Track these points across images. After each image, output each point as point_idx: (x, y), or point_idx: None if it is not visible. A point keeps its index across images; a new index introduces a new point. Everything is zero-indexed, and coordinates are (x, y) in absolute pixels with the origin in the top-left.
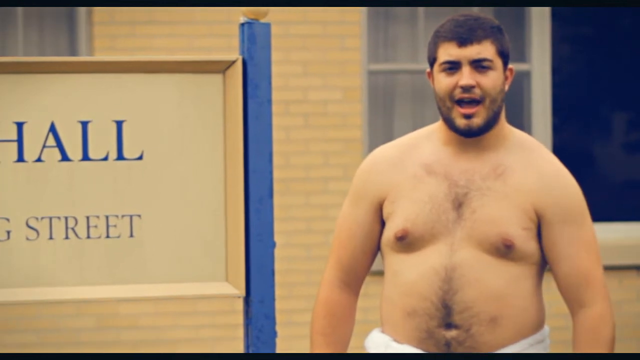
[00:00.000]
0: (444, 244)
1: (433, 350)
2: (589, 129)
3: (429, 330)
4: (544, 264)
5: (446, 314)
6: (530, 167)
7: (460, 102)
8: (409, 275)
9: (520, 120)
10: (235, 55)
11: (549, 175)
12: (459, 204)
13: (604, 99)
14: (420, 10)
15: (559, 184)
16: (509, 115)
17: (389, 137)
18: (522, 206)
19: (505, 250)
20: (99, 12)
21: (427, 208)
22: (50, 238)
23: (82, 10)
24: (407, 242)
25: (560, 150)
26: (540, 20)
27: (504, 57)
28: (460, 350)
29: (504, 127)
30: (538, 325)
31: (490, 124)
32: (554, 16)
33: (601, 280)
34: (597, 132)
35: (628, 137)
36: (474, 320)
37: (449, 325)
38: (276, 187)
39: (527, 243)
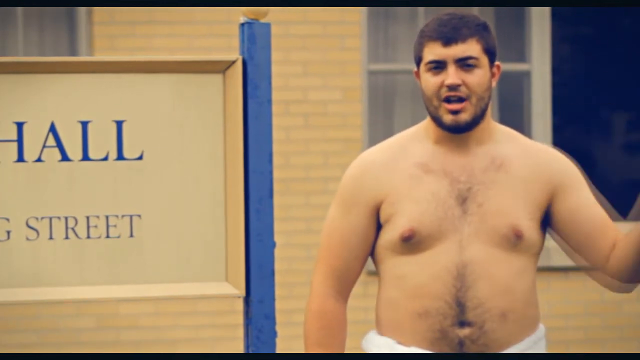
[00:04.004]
0: (451, 241)
1: (445, 350)
2: (589, 129)
3: (443, 330)
4: (538, 257)
5: (460, 311)
6: (525, 154)
7: (447, 100)
8: (418, 276)
9: (520, 120)
10: (235, 55)
11: (545, 153)
12: (463, 200)
13: (604, 99)
14: (420, 10)
15: (559, 161)
16: (509, 115)
17: (389, 137)
18: (528, 193)
19: (515, 240)
20: (99, 12)
21: (432, 206)
22: (50, 238)
23: (82, 10)
24: (413, 242)
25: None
26: (540, 20)
27: (490, 54)
28: (473, 348)
29: (490, 122)
30: (537, 322)
31: (477, 119)
32: (554, 16)
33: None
34: (597, 132)
35: (628, 137)
36: (486, 316)
37: (462, 324)
38: (276, 187)
39: (533, 232)
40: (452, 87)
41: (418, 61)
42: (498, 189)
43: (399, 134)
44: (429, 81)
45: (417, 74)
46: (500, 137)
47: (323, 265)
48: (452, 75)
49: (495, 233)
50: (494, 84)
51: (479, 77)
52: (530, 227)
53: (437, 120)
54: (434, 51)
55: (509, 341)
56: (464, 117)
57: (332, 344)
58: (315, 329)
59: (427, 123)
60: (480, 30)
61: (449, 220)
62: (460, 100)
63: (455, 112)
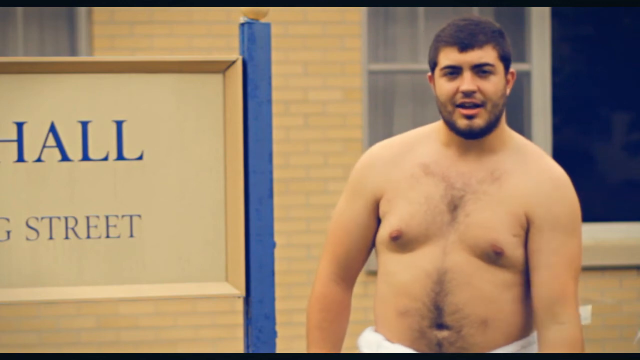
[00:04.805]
0: (436, 246)
1: (425, 349)
2: (589, 129)
3: (421, 330)
4: (526, 274)
5: (437, 315)
6: (527, 173)
7: (461, 106)
8: (402, 275)
9: (520, 120)
10: (235, 55)
11: (545, 182)
12: (454, 207)
13: (604, 99)
14: (420, 10)
15: (554, 192)
16: (508, 115)
17: (388, 137)
18: (513, 212)
19: (494, 256)
20: (99, 11)
21: (423, 209)
22: (50, 238)
23: (82, 10)
24: (401, 243)
25: (560, 150)
26: (540, 20)
27: (506, 61)
28: (452, 350)
29: (505, 130)
30: (528, 328)
31: (491, 126)
32: (554, 16)
33: (576, 298)
34: (597, 132)
35: (628, 137)
36: (464, 322)
37: (440, 326)
38: (276, 187)
39: (516, 250)
40: (467, 94)
41: (433, 66)
42: (487, 201)
43: (414, 130)
44: (444, 87)
45: (431, 78)
46: (511, 148)
47: (327, 251)
48: (467, 82)
49: (477, 246)
50: (508, 91)
51: (494, 84)
52: (512, 245)
53: (451, 125)
54: (449, 56)
55: (492, 346)
56: (478, 122)
57: (330, 327)
58: (316, 311)
59: (440, 123)
60: (496, 37)
61: (437, 225)
62: (475, 106)
63: (469, 117)
